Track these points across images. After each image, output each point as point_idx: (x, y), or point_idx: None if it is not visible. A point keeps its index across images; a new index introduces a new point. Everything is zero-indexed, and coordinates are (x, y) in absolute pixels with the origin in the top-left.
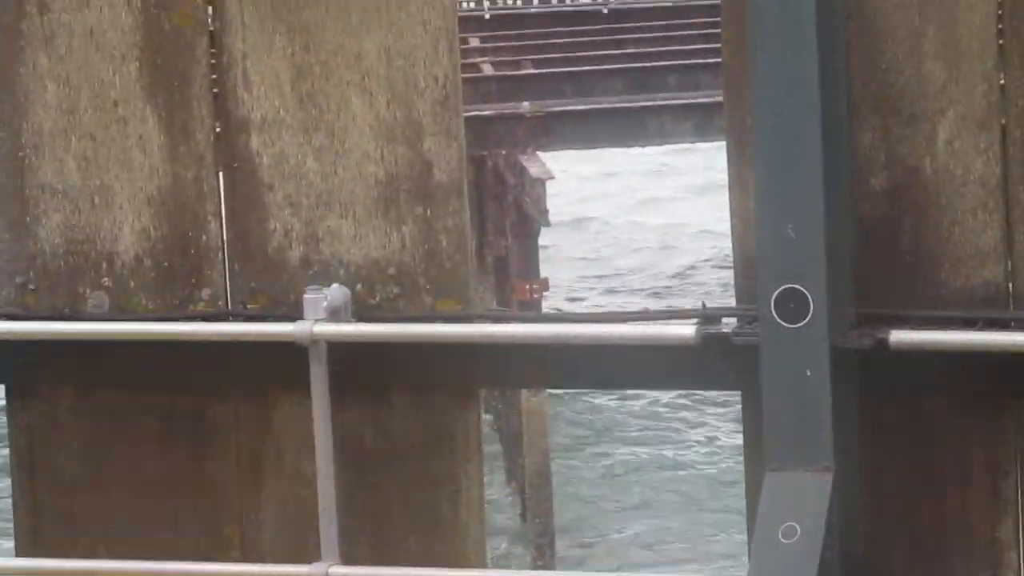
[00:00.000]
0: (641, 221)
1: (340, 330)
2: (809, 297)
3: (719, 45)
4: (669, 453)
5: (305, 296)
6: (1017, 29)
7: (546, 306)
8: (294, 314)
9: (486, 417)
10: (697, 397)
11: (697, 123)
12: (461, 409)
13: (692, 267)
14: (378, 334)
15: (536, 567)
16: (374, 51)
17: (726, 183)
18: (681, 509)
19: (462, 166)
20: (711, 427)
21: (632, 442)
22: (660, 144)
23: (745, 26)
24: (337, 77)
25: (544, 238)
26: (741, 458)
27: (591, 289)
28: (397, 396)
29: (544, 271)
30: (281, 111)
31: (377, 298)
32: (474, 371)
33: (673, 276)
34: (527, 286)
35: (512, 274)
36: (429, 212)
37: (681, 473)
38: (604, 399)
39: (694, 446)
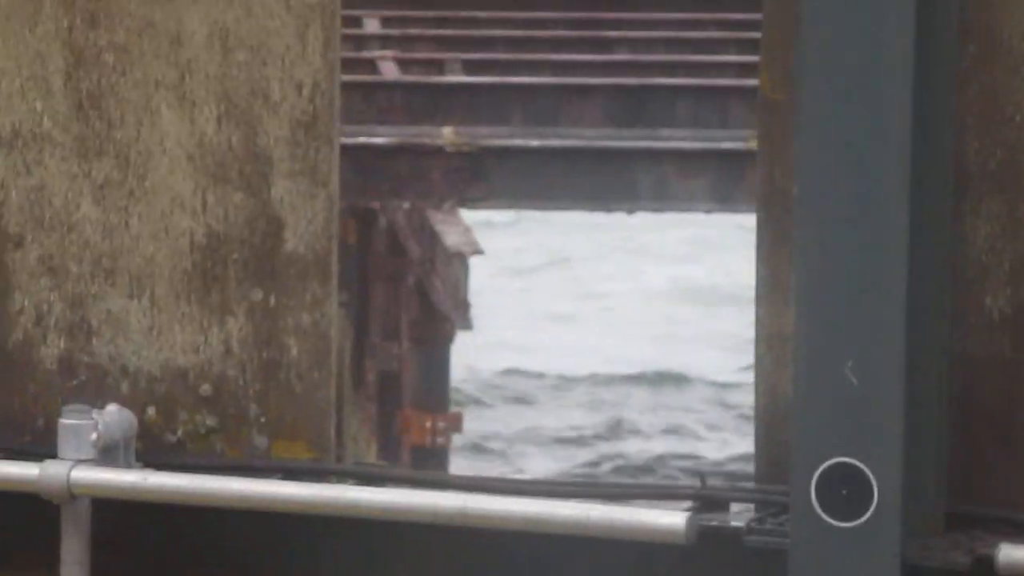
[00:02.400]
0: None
1: (116, 480)
2: (872, 480)
3: (758, 58)
4: None
5: (62, 421)
6: None
7: (457, 460)
8: (42, 449)
9: None
10: None
11: (716, 182)
12: None
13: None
14: (178, 491)
15: None
16: (203, 34)
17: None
18: None
19: (333, 228)
20: None
21: None
22: (656, 210)
23: (798, 38)
24: (141, 72)
25: (462, 344)
26: None
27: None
28: None
29: (458, 397)
30: (45, 120)
31: (179, 432)
32: (326, 558)
33: (658, 431)
34: (428, 424)
35: (406, 402)
36: (274, 299)
37: None
38: None
39: None
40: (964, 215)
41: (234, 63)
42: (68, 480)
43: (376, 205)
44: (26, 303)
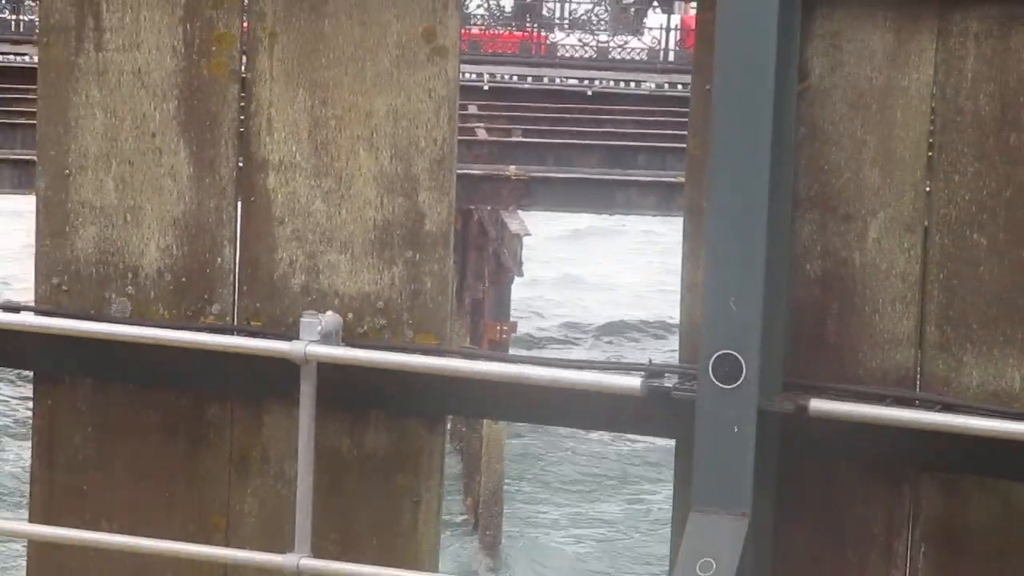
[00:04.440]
0: (608, 279)
1: (330, 352)
2: (743, 363)
3: (685, 133)
4: (615, 482)
5: (302, 320)
6: (944, 145)
7: (513, 347)
8: (291, 335)
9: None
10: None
11: (660, 199)
12: (428, 431)
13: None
14: (363, 359)
15: (484, 573)
16: (383, 111)
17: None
18: (624, 536)
19: (450, 218)
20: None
21: (581, 470)
22: (625, 214)
23: (709, 122)
24: (349, 131)
25: (517, 287)
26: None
27: (553, 336)
28: (373, 415)
29: (514, 315)
30: (297, 156)
31: (365, 327)
32: (443, 399)
33: (630, 331)
34: (498, 327)
35: (485, 316)
36: (418, 256)
37: (628, 501)
38: (560, 431)
39: (640, 483)
40: (796, 219)
41: (400, 127)
42: (305, 352)
43: (472, 207)
44: (284, 255)
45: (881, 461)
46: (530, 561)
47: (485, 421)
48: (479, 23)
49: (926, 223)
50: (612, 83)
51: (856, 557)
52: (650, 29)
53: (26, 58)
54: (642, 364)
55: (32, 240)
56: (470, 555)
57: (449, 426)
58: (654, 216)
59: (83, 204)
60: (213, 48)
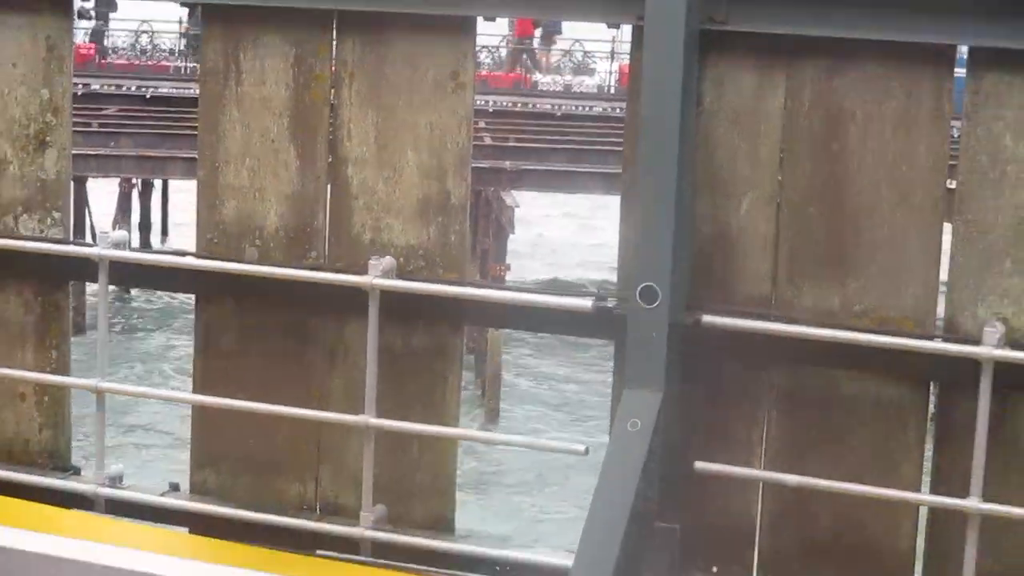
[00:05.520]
0: (574, 238)
1: (389, 283)
2: (659, 291)
3: (622, 140)
4: (580, 366)
5: (370, 262)
6: (790, 149)
7: (509, 280)
8: (363, 272)
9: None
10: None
11: (606, 184)
12: (452, 335)
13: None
14: (410, 288)
15: (487, 429)
16: (424, 125)
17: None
18: (584, 404)
19: (468, 195)
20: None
21: (555, 362)
22: (585, 193)
23: (637, 134)
24: (402, 138)
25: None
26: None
27: (536, 275)
28: (417, 324)
29: (509, 259)
30: (367, 154)
31: (411, 267)
32: (462, 314)
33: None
34: (498, 267)
35: (490, 260)
36: (445, 221)
37: (585, 377)
38: (540, 336)
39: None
40: (696, 198)
41: (435, 135)
42: (372, 283)
43: (481, 188)
44: (358, 220)
45: (749, 356)
46: (521, 420)
47: (489, 328)
48: (487, 67)
49: (779, 200)
50: (574, 107)
51: (732, 420)
52: (599, 72)
53: (191, 91)
54: (592, 292)
55: (194, 210)
56: (479, 415)
57: (465, 331)
58: (602, 195)
59: (227, 186)
60: (312, 84)
